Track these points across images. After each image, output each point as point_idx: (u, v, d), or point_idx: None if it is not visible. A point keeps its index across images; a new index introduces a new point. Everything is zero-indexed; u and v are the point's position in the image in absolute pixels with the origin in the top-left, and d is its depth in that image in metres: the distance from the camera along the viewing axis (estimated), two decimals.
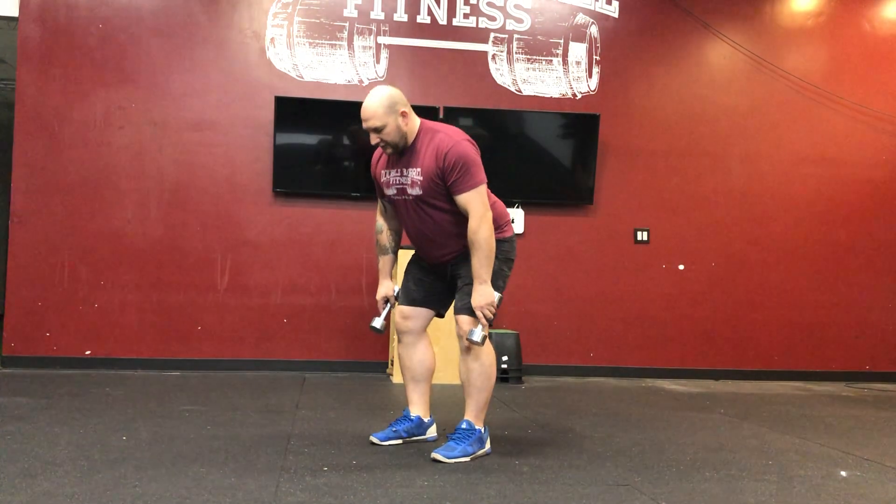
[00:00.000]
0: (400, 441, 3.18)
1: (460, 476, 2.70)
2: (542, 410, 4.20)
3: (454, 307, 3.08)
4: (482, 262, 2.90)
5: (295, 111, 5.44)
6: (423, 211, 3.03)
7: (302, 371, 5.42)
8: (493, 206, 3.05)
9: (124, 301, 5.34)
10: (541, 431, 3.59)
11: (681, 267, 5.93)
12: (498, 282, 3.04)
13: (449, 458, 2.88)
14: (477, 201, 2.90)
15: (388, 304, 3.29)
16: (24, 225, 5.26)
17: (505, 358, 5.24)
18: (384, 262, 3.28)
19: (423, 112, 5.51)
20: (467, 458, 2.89)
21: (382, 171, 3.12)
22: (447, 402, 3.98)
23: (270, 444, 3.08)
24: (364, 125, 2.97)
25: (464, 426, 2.98)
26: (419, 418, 3.22)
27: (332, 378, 5.20)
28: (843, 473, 2.94)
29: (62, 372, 5.06)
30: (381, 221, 3.29)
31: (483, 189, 2.95)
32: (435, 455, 2.89)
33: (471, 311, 2.95)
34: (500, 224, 3.09)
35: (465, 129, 5.59)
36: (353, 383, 4.93)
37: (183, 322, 5.39)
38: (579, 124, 5.74)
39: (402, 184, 3.03)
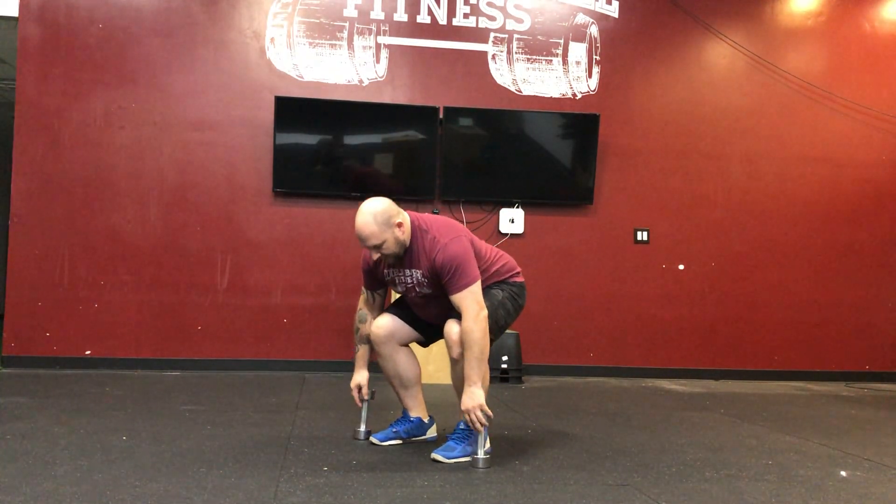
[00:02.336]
0: (400, 441, 3.18)
1: (460, 476, 2.70)
2: (542, 410, 4.20)
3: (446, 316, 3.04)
4: (473, 365, 2.83)
5: (295, 111, 5.44)
6: (432, 302, 3.05)
7: (302, 371, 5.42)
8: (499, 259, 3.11)
9: (124, 301, 5.34)
10: (541, 431, 3.59)
11: (681, 267, 5.93)
12: (498, 311, 3.03)
13: (449, 458, 2.88)
14: (470, 300, 2.86)
15: (365, 402, 3.24)
16: (24, 225, 5.26)
17: (505, 358, 5.24)
18: (364, 351, 3.23)
19: (424, 112, 5.55)
20: (467, 458, 2.89)
21: (386, 271, 3.09)
22: (447, 402, 3.98)
23: (270, 444, 3.08)
24: (363, 244, 2.94)
25: (462, 426, 2.98)
26: (419, 419, 3.23)
27: (332, 378, 5.20)
28: (843, 473, 2.94)
29: (62, 372, 5.06)
30: (364, 311, 3.23)
31: (476, 287, 2.90)
32: (435, 455, 2.90)
33: (460, 317, 2.90)
34: (511, 270, 3.15)
35: (466, 128, 5.66)
36: None
37: (183, 322, 5.39)
38: (579, 124, 5.74)
39: (410, 283, 3.03)
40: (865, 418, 4.33)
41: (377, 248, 2.91)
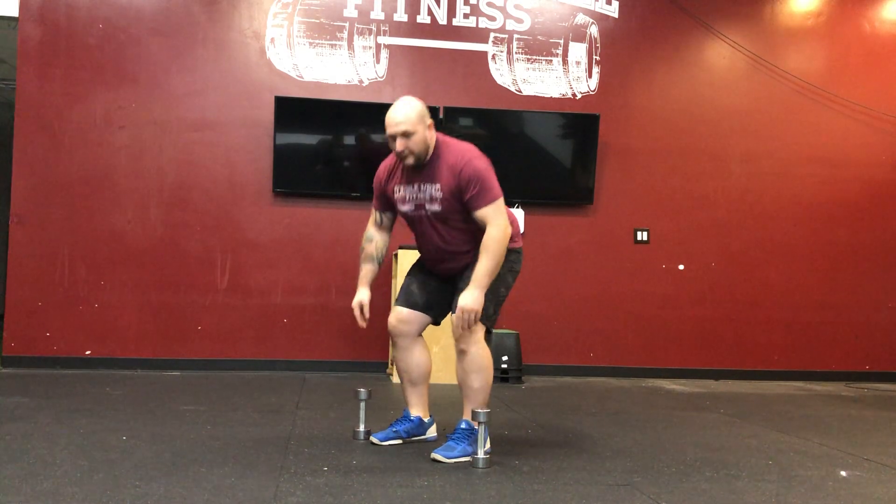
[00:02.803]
0: (400, 441, 3.17)
1: (460, 476, 2.70)
2: (542, 410, 4.20)
3: (452, 309, 3.03)
4: (486, 270, 2.84)
5: (295, 111, 5.44)
6: (438, 227, 3.01)
7: (302, 371, 5.42)
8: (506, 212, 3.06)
9: (124, 301, 5.34)
10: (541, 431, 3.59)
11: (681, 267, 5.93)
12: (500, 288, 3.03)
13: (449, 458, 2.87)
14: (497, 214, 2.88)
15: (363, 402, 3.24)
16: (24, 225, 5.26)
17: (505, 358, 5.24)
18: (367, 270, 3.22)
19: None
20: (467, 458, 2.88)
21: (396, 187, 3.07)
22: (447, 402, 3.98)
23: (270, 444, 3.08)
24: (391, 130, 2.92)
25: (463, 426, 2.96)
26: (419, 419, 3.21)
27: (332, 378, 5.20)
28: (843, 473, 2.94)
29: (62, 372, 5.06)
30: (372, 231, 3.24)
31: (501, 203, 2.92)
32: (435, 455, 2.88)
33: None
34: (516, 233, 3.08)
35: (466, 128, 5.66)
36: (353, 383, 4.93)
37: (183, 322, 5.39)
38: (579, 124, 5.74)
39: (421, 199, 3.00)
40: (865, 418, 4.33)
41: (406, 136, 2.89)
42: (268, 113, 5.44)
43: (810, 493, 2.63)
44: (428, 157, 2.97)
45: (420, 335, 3.20)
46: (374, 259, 3.23)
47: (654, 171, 5.91)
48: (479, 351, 2.97)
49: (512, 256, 3.06)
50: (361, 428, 3.25)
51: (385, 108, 5.69)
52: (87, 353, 5.29)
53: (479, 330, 2.99)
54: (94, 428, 3.29)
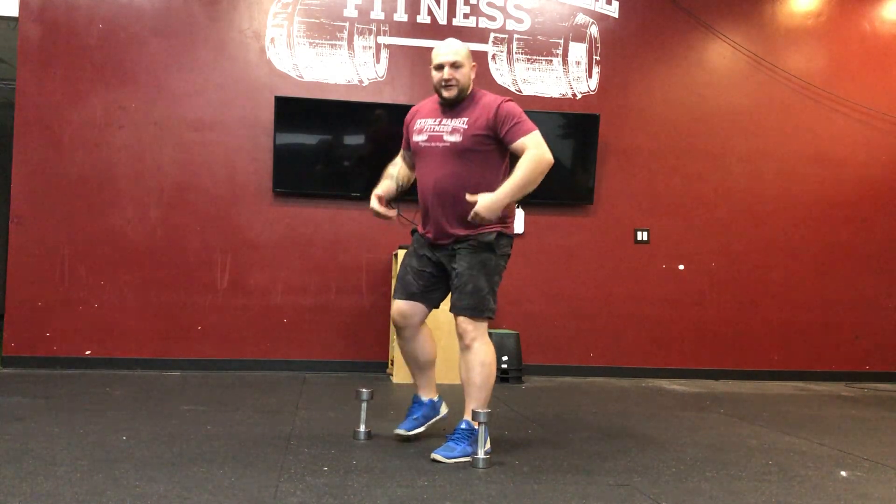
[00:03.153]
0: (423, 428, 3.22)
1: (460, 476, 2.70)
2: (542, 410, 4.20)
3: (452, 306, 3.06)
4: (516, 183, 2.95)
5: (295, 111, 5.44)
6: (449, 161, 3.05)
7: (302, 371, 5.42)
8: None
9: (124, 301, 5.34)
10: (541, 431, 3.59)
11: (681, 267, 5.93)
12: (495, 276, 3.07)
13: (449, 458, 2.87)
14: (537, 142, 3.01)
15: (364, 402, 3.25)
16: (24, 225, 5.26)
17: (505, 358, 5.24)
18: (384, 184, 3.28)
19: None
20: (467, 458, 2.88)
21: (419, 120, 3.17)
22: (447, 401, 3.97)
23: (270, 444, 3.08)
24: (442, 58, 3.07)
25: (463, 426, 2.97)
26: (432, 401, 3.26)
27: (332, 378, 5.20)
28: (843, 473, 2.94)
29: (62, 372, 5.06)
30: (398, 159, 3.36)
31: (539, 134, 3.04)
32: (435, 455, 2.89)
33: (470, 312, 2.98)
34: (505, 217, 3.10)
35: None
36: (353, 383, 4.93)
37: (183, 322, 5.39)
38: (579, 124, 5.74)
39: (439, 131, 3.08)
40: (865, 418, 4.33)
41: (455, 67, 3.04)
42: (268, 113, 5.44)
43: (810, 493, 2.63)
44: (465, 95, 3.10)
45: (423, 322, 3.23)
46: (393, 177, 3.30)
47: (654, 171, 5.91)
48: (483, 346, 3.01)
49: (504, 241, 3.11)
50: (362, 428, 3.25)
51: (385, 108, 5.77)
52: (87, 353, 5.29)
53: (483, 326, 3.03)
54: (94, 428, 3.29)
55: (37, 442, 3.00)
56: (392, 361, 5.27)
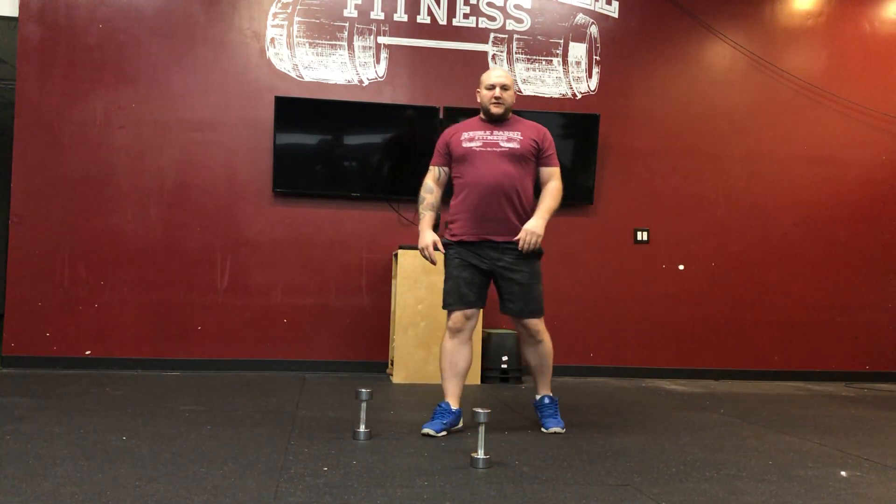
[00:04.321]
0: (445, 433, 3.37)
1: (460, 476, 2.70)
2: None
3: (518, 311, 3.50)
4: (549, 207, 3.50)
5: (295, 111, 5.44)
6: (505, 162, 3.46)
7: (302, 371, 5.42)
8: None
9: (124, 301, 5.34)
10: (541, 431, 3.59)
11: (681, 267, 5.93)
12: (541, 280, 3.57)
13: (562, 427, 3.51)
14: (559, 176, 3.61)
15: (364, 402, 3.29)
16: (24, 225, 5.26)
17: (505, 358, 5.24)
18: (429, 217, 3.56)
19: (424, 112, 5.56)
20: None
21: (465, 132, 3.55)
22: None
23: (270, 444, 3.08)
24: (494, 80, 3.54)
25: (548, 401, 3.60)
26: (459, 410, 3.48)
27: (332, 378, 5.20)
28: (843, 473, 2.94)
29: (62, 372, 5.06)
30: (431, 184, 3.62)
31: (559, 170, 3.64)
32: (555, 429, 3.50)
33: (537, 314, 3.51)
34: None
35: None
36: (353, 383, 4.93)
37: (183, 322, 5.39)
38: (579, 124, 5.74)
39: (494, 139, 3.49)
40: (865, 418, 4.33)
41: (504, 88, 3.53)
42: (268, 113, 5.44)
43: (810, 493, 2.63)
44: (508, 115, 3.58)
45: (474, 329, 3.60)
46: (434, 208, 3.59)
47: (654, 171, 5.91)
48: (548, 339, 3.60)
49: (539, 248, 3.54)
50: (362, 428, 3.25)
51: (385, 108, 5.76)
52: (87, 353, 5.29)
53: (543, 322, 3.57)
54: (94, 428, 3.29)
55: (37, 442, 3.00)
56: (392, 361, 5.27)
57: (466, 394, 4.08)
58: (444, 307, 3.51)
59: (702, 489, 2.65)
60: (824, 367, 6.06)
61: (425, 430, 3.33)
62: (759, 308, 6.00)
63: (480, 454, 2.85)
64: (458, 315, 3.47)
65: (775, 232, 6.04)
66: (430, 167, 3.64)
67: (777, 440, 3.56)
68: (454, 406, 3.45)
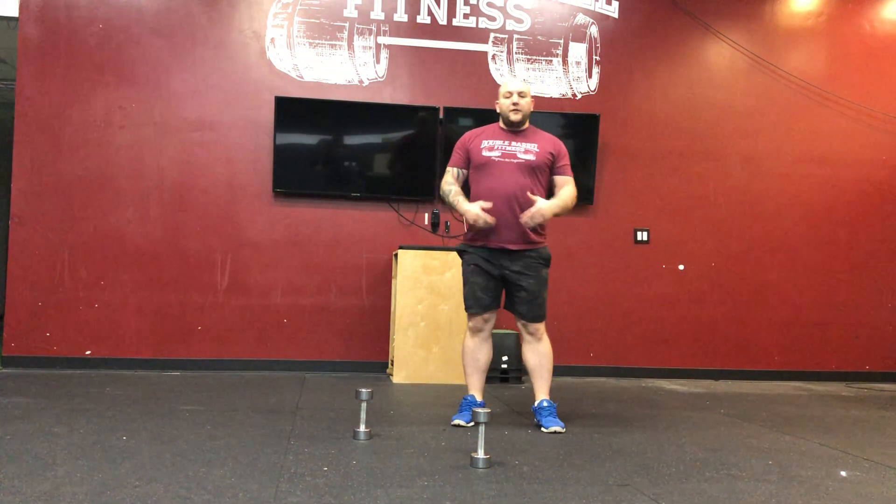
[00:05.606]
0: (473, 423, 3.41)
1: (460, 476, 2.70)
2: None
3: (524, 314, 3.65)
4: (562, 201, 3.61)
5: (295, 111, 5.44)
6: (521, 173, 3.58)
7: (302, 371, 5.42)
8: None
9: (124, 301, 5.34)
10: (541, 431, 3.59)
11: (681, 267, 5.93)
12: (547, 286, 3.72)
13: (562, 426, 3.53)
14: (573, 183, 3.71)
15: (364, 402, 3.30)
16: (24, 225, 5.26)
17: (505, 358, 5.24)
18: (462, 197, 3.65)
19: (424, 112, 5.56)
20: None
21: (485, 141, 3.66)
22: (449, 401, 3.98)
23: (270, 444, 3.08)
24: (512, 87, 3.66)
25: (546, 405, 3.62)
26: (483, 402, 3.67)
27: (332, 378, 5.20)
28: (843, 473, 2.94)
29: (62, 372, 5.06)
30: (451, 180, 3.73)
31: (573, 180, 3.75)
32: (555, 428, 3.50)
33: (541, 319, 3.66)
34: (544, 233, 3.71)
35: (465, 129, 5.64)
36: (353, 383, 4.93)
37: (183, 322, 5.39)
38: (579, 124, 5.74)
39: (511, 151, 3.61)
40: (865, 418, 4.33)
41: (522, 96, 3.65)
42: (268, 113, 5.44)
43: (810, 493, 2.63)
44: (524, 125, 3.70)
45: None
46: (462, 193, 3.70)
47: (654, 171, 5.91)
48: (547, 340, 3.72)
49: (546, 253, 3.70)
50: (362, 428, 3.25)
51: (385, 108, 5.77)
52: (87, 353, 5.29)
53: (544, 325, 3.70)
54: (94, 428, 3.29)
55: (37, 442, 3.00)
56: (392, 361, 5.27)
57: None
58: (465, 310, 3.72)
59: (702, 489, 2.64)
60: (824, 367, 6.06)
61: (456, 421, 3.55)
62: (759, 308, 6.00)
63: (480, 454, 2.85)
64: (477, 318, 3.69)
65: (775, 232, 6.04)
66: (449, 167, 3.76)
67: (777, 440, 3.56)
68: (479, 398, 3.68)
